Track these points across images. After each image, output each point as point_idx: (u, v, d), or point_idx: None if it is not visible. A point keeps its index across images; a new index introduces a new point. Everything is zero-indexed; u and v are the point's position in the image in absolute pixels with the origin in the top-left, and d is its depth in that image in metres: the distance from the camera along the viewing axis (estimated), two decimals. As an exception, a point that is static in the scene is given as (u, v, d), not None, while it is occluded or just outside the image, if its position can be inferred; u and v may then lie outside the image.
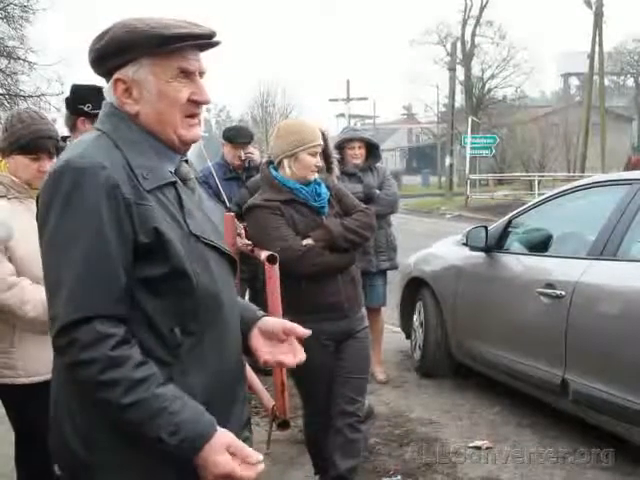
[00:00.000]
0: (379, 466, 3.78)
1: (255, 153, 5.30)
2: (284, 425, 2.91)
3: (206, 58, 1.57)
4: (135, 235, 1.42)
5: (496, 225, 4.96)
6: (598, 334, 3.67)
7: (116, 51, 1.49)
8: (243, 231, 3.70)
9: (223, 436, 1.40)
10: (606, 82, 36.34)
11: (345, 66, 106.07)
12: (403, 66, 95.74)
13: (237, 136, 5.22)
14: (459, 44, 39.95)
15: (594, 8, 30.41)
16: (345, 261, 3.10)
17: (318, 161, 3.05)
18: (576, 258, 4.04)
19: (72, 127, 3.13)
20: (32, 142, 2.55)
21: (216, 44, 1.57)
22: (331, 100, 45.92)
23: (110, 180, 1.41)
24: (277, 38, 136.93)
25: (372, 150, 4.98)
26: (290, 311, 2.70)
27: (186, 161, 1.64)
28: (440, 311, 5.22)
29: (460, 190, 29.98)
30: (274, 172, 3.09)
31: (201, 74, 1.56)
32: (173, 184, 1.53)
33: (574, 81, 53.88)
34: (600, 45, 30.72)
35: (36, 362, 2.49)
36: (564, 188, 4.78)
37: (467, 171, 27.38)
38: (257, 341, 1.69)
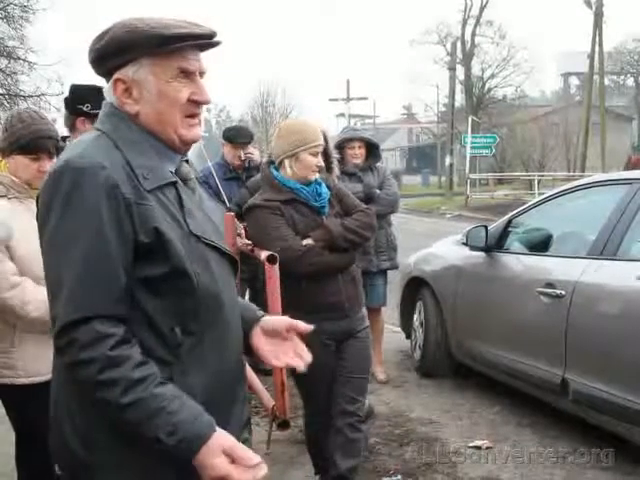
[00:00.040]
0: (379, 466, 3.79)
1: (255, 153, 5.30)
2: (284, 425, 2.91)
3: (206, 58, 1.57)
4: (135, 235, 1.42)
5: (496, 225, 4.96)
6: (598, 334, 3.67)
7: (116, 51, 1.49)
8: (243, 231, 3.70)
9: (221, 438, 1.38)
10: (606, 82, 36.37)
11: (345, 66, 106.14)
12: (403, 66, 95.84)
13: (237, 136, 5.22)
14: (459, 44, 39.94)
15: (594, 8, 30.43)
16: (345, 261, 3.10)
17: (319, 161, 3.05)
18: (576, 258, 4.04)
19: (71, 127, 3.13)
20: (32, 142, 2.55)
21: (216, 44, 1.57)
22: (331, 100, 45.95)
23: (110, 180, 1.41)
24: (277, 38, 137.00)
25: (372, 150, 4.98)
26: (290, 311, 2.68)
27: (186, 161, 1.64)
28: (440, 311, 5.22)
29: (460, 190, 29.98)
30: (275, 172, 3.10)
31: (201, 74, 1.56)
32: (173, 184, 1.53)
33: (574, 81, 53.88)
34: (600, 45, 30.74)
35: (36, 362, 2.49)
36: (564, 188, 4.78)
37: (467, 171, 27.37)
38: (259, 340, 1.68)
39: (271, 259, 2.84)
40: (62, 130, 3.24)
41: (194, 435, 1.35)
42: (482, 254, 4.81)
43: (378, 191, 4.85)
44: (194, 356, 1.48)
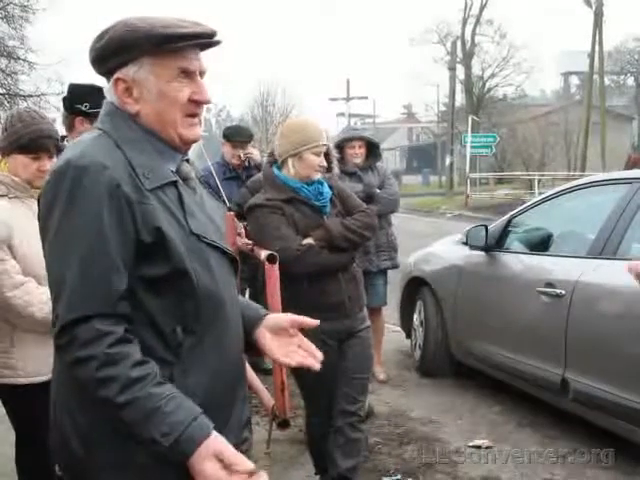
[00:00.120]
0: (379, 465, 3.79)
1: (255, 153, 5.31)
2: (284, 424, 2.91)
3: (206, 58, 1.57)
4: (137, 235, 1.42)
5: (496, 224, 4.96)
6: (598, 333, 3.67)
7: (117, 50, 1.49)
8: (243, 230, 3.70)
9: (214, 442, 1.35)
10: (606, 81, 36.35)
11: (345, 65, 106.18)
12: (403, 65, 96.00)
13: (236, 135, 5.23)
14: (459, 43, 39.92)
15: (594, 7, 30.43)
16: (344, 260, 3.10)
17: (322, 161, 3.05)
18: (576, 257, 4.04)
19: (70, 126, 3.13)
20: (32, 142, 2.55)
21: (217, 43, 1.57)
22: (331, 99, 46.05)
23: (112, 180, 1.41)
24: (277, 38, 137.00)
25: (372, 149, 4.97)
26: (290, 310, 2.68)
27: (187, 160, 1.64)
28: (440, 310, 5.22)
29: (460, 189, 29.98)
30: (276, 171, 3.10)
31: (201, 74, 1.56)
32: (174, 183, 1.53)
33: (574, 80, 53.86)
34: (600, 44, 30.74)
35: (36, 362, 2.48)
36: (564, 187, 4.78)
37: (467, 170, 27.36)
38: (264, 338, 1.69)
39: (271, 259, 2.85)
40: (62, 130, 3.25)
41: (188, 437, 1.33)
42: (482, 254, 4.82)
43: (378, 191, 4.85)
44: (195, 356, 1.48)
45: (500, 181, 34.29)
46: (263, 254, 2.92)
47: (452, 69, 33.74)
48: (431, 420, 4.47)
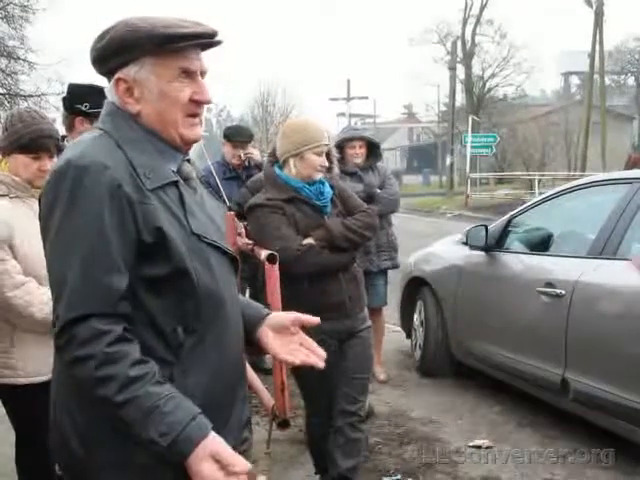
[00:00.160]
0: (379, 465, 3.79)
1: (255, 153, 5.31)
2: (284, 424, 2.91)
3: (207, 58, 1.57)
4: (138, 234, 1.42)
5: (496, 224, 4.96)
6: (598, 333, 3.67)
7: (118, 50, 1.49)
8: (243, 230, 3.70)
9: (212, 443, 1.35)
10: (607, 81, 36.33)
11: (345, 65, 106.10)
12: (403, 65, 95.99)
13: (236, 135, 5.24)
14: (459, 43, 39.91)
15: (595, 7, 30.42)
16: (344, 260, 3.09)
17: (323, 161, 3.04)
18: (576, 257, 4.04)
19: (69, 126, 3.13)
20: (33, 141, 2.55)
21: (218, 43, 1.57)
22: (332, 99, 46.00)
23: (113, 180, 1.41)
24: (277, 38, 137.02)
25: (373, 149, 4.97)
26: (291, 310, 2.69)
27: (188, 160, 1.64)
28: (440, 310, 5.22)
29: (461, 189, 29.97)
30: (278, 171, 3.09)
31: (202, 74, 1.56)
32: (175, 183, 1.53)
33: (575, 80, 53.85)
34: (601, 44, 30.72)
35: (36, 362, 2.48)
36: (564, 187, 4.78)
37: (467, 170, 27.35)
38: (267, 337, 1.69)
39: (271, 258, 2.85)
40: (62, 130, 3.25)
41: (186, 438, 1.33)
42: (482, 254, 4.82)
43: (379, 191, 4.85)
44: (195, 355, 1.48)
45: (500, 181, 34.28)
46: (263, 254, 2.92)
47: (452, 69, 33.74)
48: (431, 420, 4.47)
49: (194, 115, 1.55)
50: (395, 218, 5.26)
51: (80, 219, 1.39)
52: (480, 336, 4.81)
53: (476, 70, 42.13)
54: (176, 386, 1.41)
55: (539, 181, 25.48)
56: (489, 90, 42.55)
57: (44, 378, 2.35)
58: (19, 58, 21.16)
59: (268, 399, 3.19)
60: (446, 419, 4.49)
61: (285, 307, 2.76)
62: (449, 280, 5.14)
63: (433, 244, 5.95)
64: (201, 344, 1.49)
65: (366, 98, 46.13)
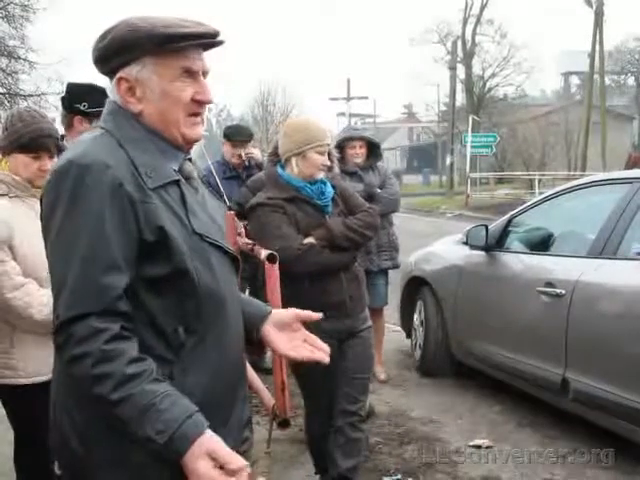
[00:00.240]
0: (379, 465, 3.79)
1: (255, 152, 5.31)
2: (284, 424, 2.91)
3: (208, 58, 1.57)
4: (140, 234, 1.42)
5: (496, 224, 4.96)
6: (598, 333, 3.67)
7: (119, 50, 1.49)
8: (243, 230, 3.70)
9: (208, 441, 1.34)
10: (607, 81, 36.33)
11: (345, 65, 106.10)
12: (404, 65, 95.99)
13: (235, 134, 5.24)
14: (459, 43, 39.90)
15: (595, 7, 30.41)
16: (345, 260, 3.09)
17: (325, 160, 3.04)
18: (576, 257, 4.04)
19: (68, 126, 3.13)
20: (33, 141, 2.55)
21: (220, 43, 1.57)
22: (332, 99, 46.02)
23: (114, 179, 1.41)
24: (278, 37, 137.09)
25: (373, 149, 4.97)
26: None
27: (189, 160, 1.65)
28: (440, 310, 5.22)
29: (461, 189, 29.97)
30: (280, 170, 3.09)
31: (204, 73, 1.56)
32: (177, 182, 1.53)
33: (575, 80, 53.84)
34: (601, 44, 30.71)
35: (37, 363, 2.48)
36: (564, 187, 4.78)
37: (468, 170, 27.35)
38: (271, 334, 1.70)
39: (271, 258, 2.85)
40: (62, 129, 3.25)
41: (182, 435, 1.32)
42: (482, 253, 4.82)
43: (379, 190, 4.85)
44: (196, 355, 1.48)
45: (500, 181, 34.28)
46: (263, 253, 2.92)
47: (452, 69, 33.73)
48: (431, 420, 4.47)
49: (196, 115, 1.55)
50: (395, 218, 5.26)
51: (81, 218, 1.39)
52: (480, 336, 4.81)
53: (476, 70, 42.19)
54: (175, 385, 1.40)
55: (539, 181, 25.49)
56: (489, 90, 42.55)
57: (44, 378, 2.35)
58: (19, 57, 21.16)
59: (268, 399, 3.19)
60: (446, 419, 4.49)
61: (285, 307, 2.75)
62: (449, 280, 5.14)
63: (433, 244, 5.95)
64: (201, 344, 1.49)
65: (366, 98, 46.20)
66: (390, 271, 5.13)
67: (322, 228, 3.04)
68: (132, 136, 1.50)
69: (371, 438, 4.00)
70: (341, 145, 4.76)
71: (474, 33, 41.58)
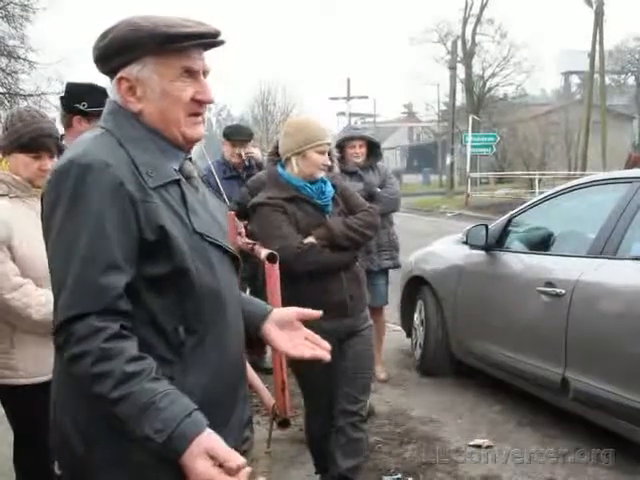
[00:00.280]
0: (380, 464, 3.79)
1: (256, 152, 5.31)
2: (284, 424, 2.91)
3: (209, 57, 1.57)
4: (140, 233, 1.42)
5: (496, 223, 4.96)
6: (598, 332, 3.67)
7: (120, 49, 1.49)
8: (243, 230, 3.70)
9: (207, 439, 1.33)
10: (607, 80, 36.29)
11: (346, 64, 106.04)
12: (404, 64, 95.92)
13: (235, 134, 5.24)
14: (460, 42, 39.89)
15: (595, 7, 30.38)
16: (346, 259, 3.09)
17: (326, 159, 3.04)
18: (576, 257, 4.04)
19: (67, 126, 3.13)
20: (33, 140, 2.54)
21: (221, 43, 1.57)
22: (332, 98, 46.00)
23: (115, 178, 1.41)
24: (278, 37, 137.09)
25: (373, 149, 4.97)
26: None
27: (190, 159, 1.65)
28: (440, 310, 5.22)
29: (461, 189, 29.97)
30: (280, 169, 3.09)
31: (205, 73, 1.56)
32: (177, 182, 1.53)
33: (575, 79, 53.82)
34: (601, 44, 30.69)
35: (37, 363, 2.48)
36: (564, 186, 4.78)
37: (468, 169, 27.35)
38: (272, 333, 1.70)
39: (271, 258, 2.85)
40: (62, 129, 3.25)
41: (180, 434, 1.32)
42: (482, 253, 4.82)
43: (379, 190, 4.85)
44: (196, 355, 1.48)
45: (500, 180, 34.27)
46: (263, 253, 2.92)
47: (453, 68, 33.72)
48: (431, 419, 4.48)
49: (196, 114, 1.55)
50: (395, 217, 5.26)
51: (81, 218, 1.39)
52: (480, 335, 4.82)
53: (476, 69, 42.18)
54: (176, 384, 1.40)
55: (539, 180, 25.49)
56: (489, 89, 42.53)
57: (44, 378, 2.35)
58: (19, 57, 21.17)
59: (268, 398, 3.19)
60: (446, 418, 4.49)
61: (285, 306, 2.75)
62: (449, 279, 5.14)
63: (433, 243, 5.95)
64: (202, 344, 1.49)
65: (366, 97, 46.20)
66: (390, 271, 5.13)
67: (322, 227, 3.04)
68: (132, 135, 1.50)
69: (371, 437, 4.00)
70: (341, 145, 4.76)
71: (474, 33, 41.56)
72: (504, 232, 4.78)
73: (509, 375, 4.55)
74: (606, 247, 3.83)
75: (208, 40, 1.53)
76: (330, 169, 3.16)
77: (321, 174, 3.06)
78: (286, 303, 2.76)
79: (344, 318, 3.07)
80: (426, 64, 71.71)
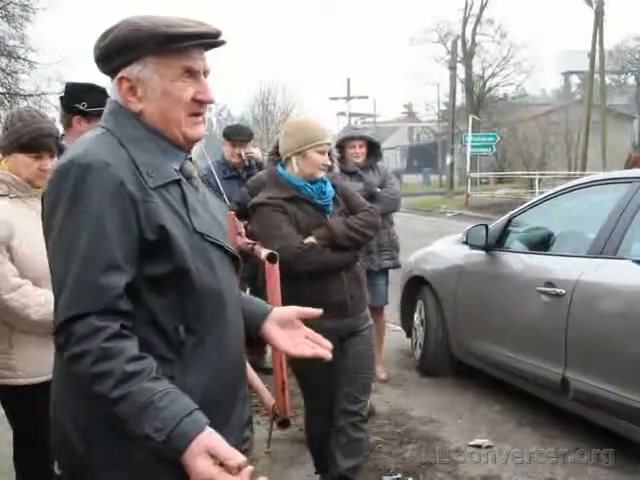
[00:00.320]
0: (380, 464, 3.79)
1: (256, 152, 5.31)
2: (284, 424, 2.92)
3: (209, 57, 1.57)
4: (141, 233, 1.42)
5: (496, 223, 4.96)
6: (598, 332, 3.67)
7: (121, 49, 1.49)
8: (243, 230, 3.70)
9: (207, 438, 1.33)
10: (607, 80, 36.30)
11: (346, 64, 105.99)
12: (404, 64, 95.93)
13: (235, 134, 5.24)
14: (460, 42, 39.89)
15: (595, 6, 30.39)
16: (346, 259, 3.09)
17: (326, 159, 3.04)
18: (576, 257, 4.04)
19: (67, 126, 3.13)
20: (33, 140, 2.54)
21: (221, 43, 1.57)
22: (332, 98, 45.99)
23: (115, 177, 1.41)
24: (278, 37, 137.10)
25: (373, 149, 4.97)
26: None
27: (190, 159, 1.65)
28: (441, 309, 5.22)
29: (461, 189, 29.97)
30: (280, 169, 3.09)
31: (205, 73, 1.56)
32: (178, 182, 1.53)
33: (575, 79, 53.81)
34: (601, 43, 30.69)
35: (36, 363, 2.47)
36: (564, 186, 4.78)
37: (468, 169, 27.36)
38: (272, 332, 1.70)
39: (271, 258, 2.85)
40: (62, 129, 3.25)
41: (180, 433, 1.31)
42: (482, 253, 4.82)
43: (379, 190, 4.85)
44: (196, 355, 1.49)
45: (500, 180, 34.27)
46: (263, 253, 2.92)
47: (452, 68, 33.72)
48: (431, 419, 4.48)
49: (197, 114, 1.55)
50: (395, 217, 5.26)
51: (82, 218, 1.39)
52: (480, 335, 4.82)
53: (476, 69, 42.18)
54: (176, 384, 1.40)
55: (539, 180, 25.49)
56: (489, 89, 42.54)
57: (43, 379, 2.35)
58: (19, 57, 21.17)
59: (268, 398, 3.20)
60: (446, 418, 4.49)
61: (285, 306, 2.76)
62: (449, 279, 5.14)
63: (433, 243, 5.95)
64: (202, 343, 1.49)
65: (366, 97, 46.19)
66: (390, 271, 5.13)
67: (323, 227, 3.04)
68: (133, 135, 1.50)
69: (371, 437, 3.99)
70: (341, 145, 4.76)
71: (474, 33, 41.56)
72: (504, 232, 4.78)
73: (509, 375, 4.55)
74: (606, 247, 3.83)
75: (209, 40, 1.53)
76: (330, 169, 3.15)
77: (321, 174, 3.06)
78: (286, 303, 2.76)
79: (344, 318, 3.06)
80: (426, 64, 71.77)
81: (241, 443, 1.60)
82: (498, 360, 4.57)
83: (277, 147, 3.16)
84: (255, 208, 3.09)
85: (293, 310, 1.74)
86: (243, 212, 3.92)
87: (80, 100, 3.05)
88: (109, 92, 1.58)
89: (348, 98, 43.98)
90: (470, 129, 27.86)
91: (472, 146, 27.02)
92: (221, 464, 1.32)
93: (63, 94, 3.19)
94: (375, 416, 4.43)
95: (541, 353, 4.10)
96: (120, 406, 1.33)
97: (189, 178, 1.59)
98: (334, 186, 3.14)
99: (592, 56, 30.99)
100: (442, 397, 4.90)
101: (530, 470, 3.70)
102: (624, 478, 3.56)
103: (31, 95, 20.58)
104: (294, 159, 3.03)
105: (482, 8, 41.12)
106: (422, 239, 7.86)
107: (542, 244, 4.50)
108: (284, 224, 2.99)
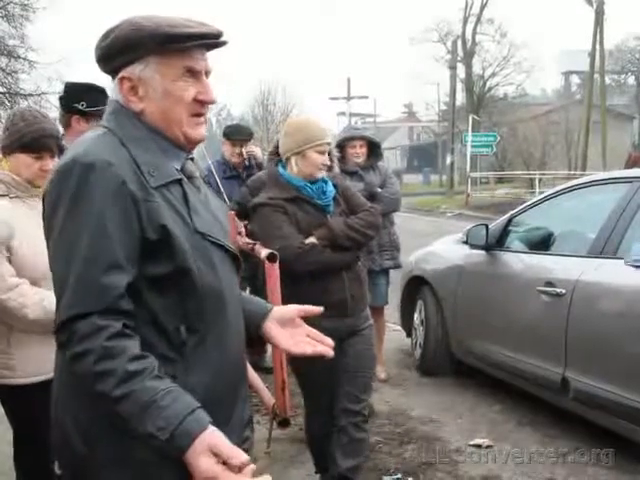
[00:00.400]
0: (380, 464, 3.79)
1: (257, 150, 5.32)
2: (284, 423, 2.91)
3: (210, 58, 1.57)
4: (142, 232, 1.42)
5: (497, 223, 4.97)
6: (598, 332, 3.67)
7: (122, 49, 1.49)
8: (244, 229, 3.70)
9: (210, 436, 1.33)
10: (607, 80, 36.29)
11: (346, 64, 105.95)
12: (404, 64, 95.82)
13: (235, 133, 5.25)
14: (460, 42, 39.88)
15: (595, 6, 30.37)
16: (347, 259, 3.09)
17: (326, 159, 3.04)
18: (576, 256, 4.05)
19: (66, 125, 3.13)
20: (35, 141, 2.54)
21: (223, 44, 1.57)
22: (332, 98, 45.97)
23: (117, 177, 1.41)
24: (278, 37, 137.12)
25: (373, 149, 4.97)
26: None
27: (191, 159, 1.65)
28: (441, 309, 5.22)
29: (461, 188, 29.97)
30: (281, 169, 3.09)
31: (207, 73, 1.56)
32: (179, 181, 1.53)
33: (575, 79, 53.78)
34: (601, 43, 30.68)
35: (35, 362, 2.47)
36: (564, 186, 4.78)
37: (468, 169, 27.36)
38: (273, 331, 1.70)
39: (271, 257, 2.85)
40: (61, 129, 3.25)
41: (183, 432, 1.31)
42: (482, 253, 4.82)
43: (379, 190, 4.85)
44: (197, 354, 1.49)
45: (501, 180, 34.27)
46: (263, 253, 2.92)
47: (453, 68, 33.72)
48: (431, 419, 4.48)
49: (198, 115, 1.55)
50: (395, 217, 5.26)
51: (83, 217, 1.39)
52: (480, 335, 4.82)
53: (476, 69, 42.18)
54: (178, 384, 1.40)
55: (539, 180, 25.49)
56: (489, 89, 42.54)
57: (43, 378, 2.35)
58: (19, 57, 21.18)
59: (269, 398, 3.20)
60: (446, 418, 4.49)
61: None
62: (449, 279, 5.14)
63: (433, 243, 5.95)
64: (203, 343, 1.50)
65: (366, 97, 46.16)
66: (391, 270, 5.13)
67: (324, 227, 3.04)
68: (134, 135, 1.50)
69: (371, 437, 3.98)
70: (341, 145, 4.76)
71: (474, 32, 41.55)
72: (504, 232, 4.78)
73: (509, 375, 4.55)
74: (606, 247, 3.83)
75: (210, 40, 1.53)
76: (330, 169, 3.15)
77: (321, 174, 3.06)
78: (286, 302, 2.76)
79: (345, 318, 3.06)
80: (426, 64, 71.80)
81: (242, 442, 1.61)
82: (498, 360, 4.58)
83: (277, 147, 3.16)
84: (256, 208, 3.09)
85: (293, 309, 1.74)
86: (243, 212, 3.92)
87: (79, 100, 3.05)
88: (109, 92, 1.58)
89: (348, 98, 43.96)
90: (470, 129, 27.86)
91: (472, 146, 27.02)
92: (224, 463, 1.31)
93: (62, 94, 3.19)
94: (375, 416, 4.43)
95: (541, 353, 4.10)
96: (122, 405, 1.33)
97: (190, 178, 1.59)
98: (335, 186, 3.14)
99: (592, 56, 30.98)
100: (442, 397, 4.90)
101: (530, 470, 3.70)
102: (624, 478, 3.56)
103: (31, 95, 20.59)
104: (293, 159, 3.03)
105: (482, 8, 41.15)
106: (422, 239, 7.86)
107: (542, 244, 4.50)
108: (285, 224, 2.99)
